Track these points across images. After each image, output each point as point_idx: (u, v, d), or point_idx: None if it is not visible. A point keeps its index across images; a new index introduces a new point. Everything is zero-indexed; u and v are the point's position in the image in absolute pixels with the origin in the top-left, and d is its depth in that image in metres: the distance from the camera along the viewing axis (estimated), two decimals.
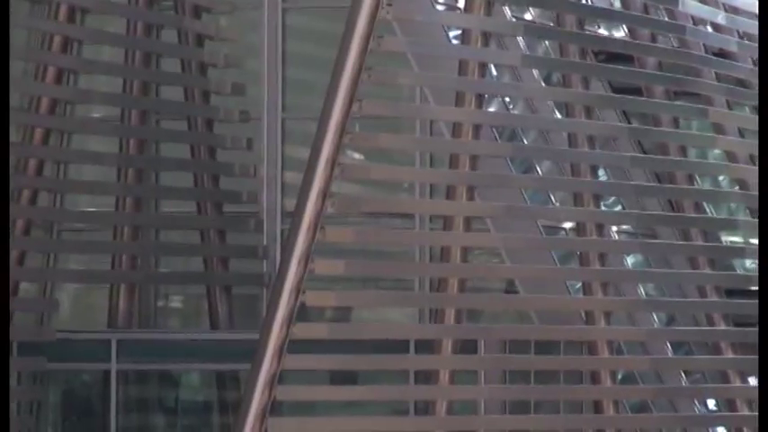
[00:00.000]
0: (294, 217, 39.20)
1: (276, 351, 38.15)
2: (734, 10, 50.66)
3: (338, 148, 39.05)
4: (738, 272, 49.55)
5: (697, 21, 49.39)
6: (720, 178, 50.34)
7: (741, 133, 49.46)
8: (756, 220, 47.84)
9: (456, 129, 43.14)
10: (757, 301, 46.28)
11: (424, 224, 45.58)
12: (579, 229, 45.09)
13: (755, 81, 48.91)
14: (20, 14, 46.02)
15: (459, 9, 45.56)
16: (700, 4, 49.18)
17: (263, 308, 44.18)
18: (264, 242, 47.92)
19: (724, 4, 51.16)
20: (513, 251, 44.07)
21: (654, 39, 47.96)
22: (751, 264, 49.57)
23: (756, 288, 46.90)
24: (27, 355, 44.74)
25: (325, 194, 38.62)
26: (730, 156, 48.54)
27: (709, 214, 48.70)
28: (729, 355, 46.66)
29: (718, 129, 48.43)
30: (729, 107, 48.84)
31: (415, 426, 42.97)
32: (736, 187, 49.16)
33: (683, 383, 46.52)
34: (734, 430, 47.49)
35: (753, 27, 50.59)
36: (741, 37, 50.64)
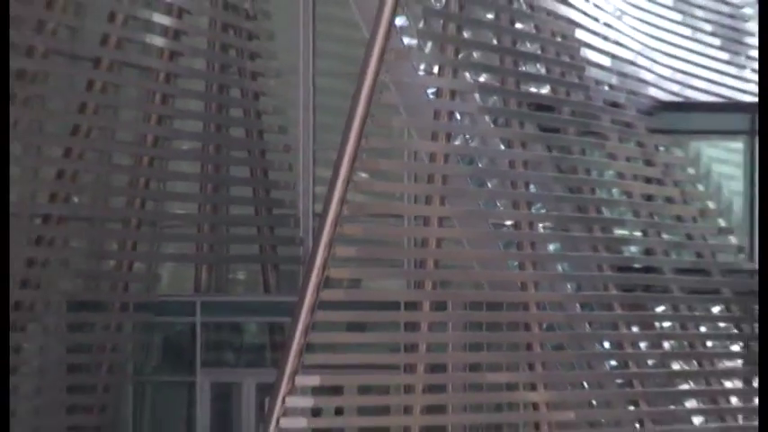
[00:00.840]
0: (321, 217, 42.49)
1: (309, 309, 40.87)
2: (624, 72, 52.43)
3: (351, 169, 41.76)
4: (625, 255, 51.55)
5: (598, 81, 51.45)
6: (613, 190, 51.48)
7: (628, 159, 51.17)
8: (638, 219, 51.11)
9: (432, 155, 45.11)
10: (639, 274, 50.72)
11: (410, 222, 47.13)
12: (516, 225, 47.35)
13: (640, 124, 51.47)
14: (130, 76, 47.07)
15: (434, 73, 47.37)
16: (600, 70, 51.62)
17: (300, 279, 44.94)
18: (300, 234, 49.85)
19: (619, 72, 52.68)
20: (472, 240, 46.00)
21: (568, 93, 49.96)
22: (633, 249, 51.90)
23: (639, 266, 51.23)
24: (140, 312, 47.37)
25: (342, 202, 41.51)
26: (620, 175, 50.81)
27: (605, 215, 50.62)
28: (619, 311, 48.72)
29: (612, 157, 50.74)
30: (620, 141, 50.64)
31: (404, 359, 44.69)
32: (624, 197, 51.44)
33: (587, 331, 48.45)
34: (622, 362, 49.38)
35: (637, 85, 52.73)
36: (629, 93, 51.94)
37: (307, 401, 42.42)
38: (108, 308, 46.42)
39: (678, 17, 57.74)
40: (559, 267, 49.42)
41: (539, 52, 50.01)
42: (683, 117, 52.87)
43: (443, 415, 44.71)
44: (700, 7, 59.28)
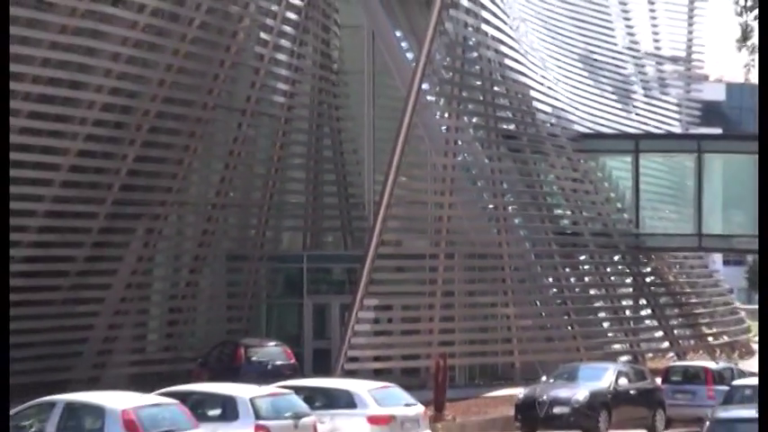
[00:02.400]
0: (378, 203, 42.80)
1: (372, 258, 41.75)
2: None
3: (396, 175, 42.40)
4: (561, 224, 51.72)
5: (543, 121, 51.07)
6: (553, 186, 50.98)
7: (562, 168, 50.32)
8: (568, 203, 51.45)
9: (444, 166, 45.19)
10: None
11: (431, 206, 45.41)
12: (496, 208, 47.51)
13: (568, 146, 50.60)
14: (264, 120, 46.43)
15: (445, 117, 47.07)
16: (544, 114, 51.03)
17: (366, 241, 43.27)
18: (366, 213, 48.28)
19: (555, 115, 52.09)
20: (469, 216, 45.33)
21: (525, 128, 49.75)
22: (566, 221, 52.08)
23: (569, 231, 51.45)
24: (270, 261, 46.57)
25: (391, 194, 42.22)
26: (557, 177, 50.46)
27: (549, 201, 51.02)
28: (557, 259, 49.56)
29: (552, 166, 50.46)
30: (557, 157, 49.94)
31: (428, 289, 44.26)
32: (559, 190, 51.12)
33: (538, 270, 49.45)
34: (560, 289, 50.14)
35: (567, 123, 52.29)
36: (562, 128, 51.38)
37: (369, 314, 42.90)
38: (251, 259, 46.04)
39: (591, 82, 57.07)
40: (521, 233, 49.63)
41: (507, 103, 49.94)
42: (595, 142, 52.51)
43: (452, 322, 44.40)
44: (604, 76, 58.49)
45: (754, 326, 62.23)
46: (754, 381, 33.41)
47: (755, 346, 58.15)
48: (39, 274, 37.83)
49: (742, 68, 35.10)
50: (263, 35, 44.67)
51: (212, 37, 41.97)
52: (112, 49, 38.05)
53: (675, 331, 53.98)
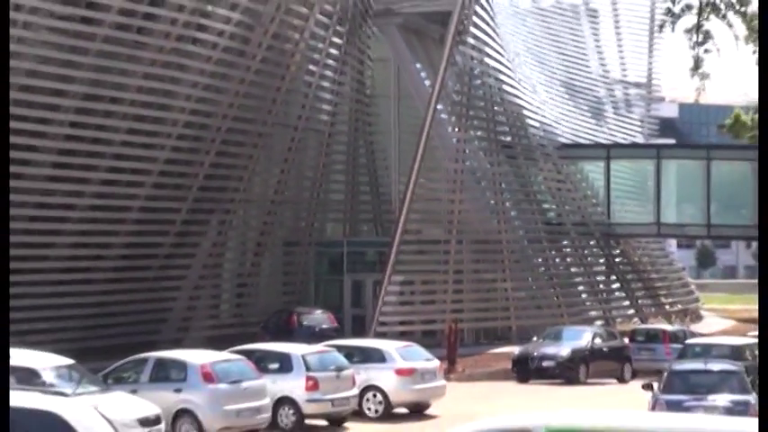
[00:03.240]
0: (402, 199, 42.75)
1: (398, 243, 41.64)
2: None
3: (417, 176, 42.39)
4: (548, 216, 50.93)
5: (534, 134, 50.51)
6: (542, 186, 50.53)
7: (549, 171, 49.96)
8: (554, 199, 50.71)
9: (455, 170, 44.93)
10: None
11: (445, 202, 44.59)
12: (496, 203, 47.23)
13: (554, 153, 50.07)
14: (311, 133, 45.92)
15: (456, 130, 46.43)
16: (534, 129, 50.39)
17: (393, 229, 43.00)
18: (392, 207, 47.17)
19: (544, 129, 51.64)
20: (474, 209, 45.18)
21: (519, 139, 49.20)
22: (551, 214, 51.20)
23: (554, 222, 50.62)
24: (317, 246, 46.51)
25: (413, 191, 42.14)
26: (545, 178, 50.05)
27: (538, 198, 50.24)
28: (545, 244, 49.16)
29: (541, 169, 49.89)
30: (545, 162, 49.43)
31: (442, 267, 43.92)
32: (547, 188, 50.70)
33: (530, 252, 48.87)
34: (547, 267, 49.62)
35: (552, 135, 51.51)
36: (548, 140, 50.89)
37: (395, 288, 42.88)
38: (301, 244, 45.76)
39: (571, 103, 56.62)
40: (516, 223, 49.32)
41: (505, 120, 49.40)
42: (574, 150, 51.99)
43: (461, 294, 44.08)
44: (581, 97, 58.05)
45: (702, 296, 62.24)
46: (703, 340, 33.95)
47: (704, 313, 58.20)
48: (135, 257, 37.81)
49: (693, 91, 34.84)
50: (311, 67, 44.50)
51: (271, 69, 41.65)
52: (192, 79, 37.98)
53: (639, 301, 53.76)
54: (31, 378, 21.17)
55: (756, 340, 32.42)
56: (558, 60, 57.86)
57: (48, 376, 21.65)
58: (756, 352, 30.30)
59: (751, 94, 58.49)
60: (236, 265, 44.71)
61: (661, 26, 27.10)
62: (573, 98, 57.39)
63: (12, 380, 20.49)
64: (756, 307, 66.19)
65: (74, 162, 35.12)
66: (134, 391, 22.84)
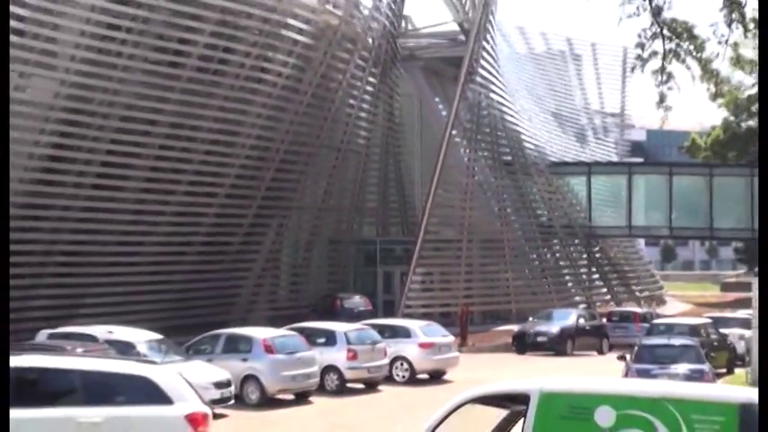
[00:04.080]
0: (424, 207, 42.66)
1: (422, 242, 41.71)
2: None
3: (436, 189, 42.35)
4: (540, 219, 50.13)
5: (528, 155, 50.14)
6: (537, 196, 50.19)
7: (542, 184, 49.81)
8: (546, 206, 50.01)
9: (466, 184, 44.86)
10: None
11: (458, 210, 44.54)
12: (500, 210, 47.12)
13: (546, 170, 49.74)
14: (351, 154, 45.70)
15: (466, 152, 46.29)
16: (530, 150, 49.94)
17: (417, 231, 43.15)
18: (417, 213, 46.22)
19: (538, 150, 51.42)
20: (482, 214, 45.13)
21: (517, 158, 49.14)
22: (543, 218, 50.36)
23: (546, 224, 49.86)
24: (357, 244, 46.23)
25: (433, 201, 42.05)
26: (539, 190, 49.75)
27: (533, 205, 49.79)
28: (539, 242, 49.35)
29: (535, 183, 49.45)
30: (538, 177, 49.33)
31: (455, 261, 43.36)
32: (540, 198, 50.17)
33: (526, 248, 48.81)
34: (539, 260, 49.48)
35: (543, 155, 51.14)
36: (541, 159, 50.54)
37: (418, 278, 42.65)
38: (343, 242, 45.61)
39: (560, 129, 56.59)
40: (516, 225, 48.83)
41: (506, 143, 49.11)
42: (562, 167, 51.75)
43: (471, 283, 44.00)
44: (567, 125, 57.95)
45: (665, 284, 62.14)
46: (666, 320, 33.98)
47: (667, 298, 58.06)
48: (210, 252, 37.72)
49: (658, 120, 34.83)
50: (350, 101, 44.22)
51: (319, 102, 41.37)
52: (257, 111, 37.77)
53: (614, 288, 53.38)
54: (128, 350, 21.35)
55: (710, 320, 32.73)
56: (548, 95, 57.89)
57: (141, 348, 21.84)
58: (710, 330, 30.57)
59: (705, 123, 58.45)
60: (290, 259, 44.29)
61: (632, 68, 26.78)
62: (561, 125, 57.40)
63: (113, 351, 20.83)
64: (710, 293, 65.20)
65: (162, 177, 35.07)
66: (210, 360, 22.94)
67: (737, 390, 10.44)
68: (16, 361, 13.23)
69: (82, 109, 32.03)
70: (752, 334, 25.39)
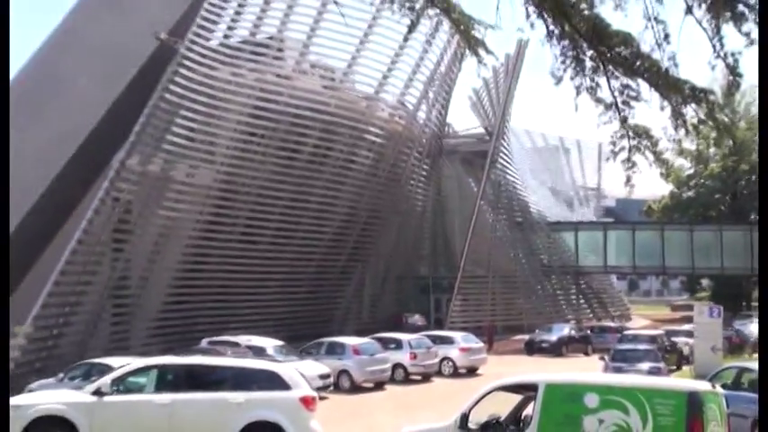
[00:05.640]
0: (462, 254, 41.87)
1: (460, 278, 40.17)
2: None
3: (468, 247, 41.46)
4: (547, 265, 48.59)
5: (528, 216, 48.88)
6: (540, 246, 49.51)
7: (544, 237, 48.61)
8: (545, 249, 48.21)
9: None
10: None
11: (487, 257, 43.63)
12: (515, 259, 46.26)
13: (546, 227, 48.40)
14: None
15: (488, 207, 44.61)
16: (531, 213, 49.69)
17: (458, 266, 41.95)
18: (458, 256, 44.75)
19: (537, 212, 50.31)
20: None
21: (526, 218, 47.98)
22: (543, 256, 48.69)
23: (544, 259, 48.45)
24: (411, 278, 45.44)
25: (467, 255, 40.95)
26: (539, 240, 48.41)
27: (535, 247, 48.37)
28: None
29: (537, 236, 48.19)
30: (539, 231, 47.81)
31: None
32: (542, 246, 48.61)
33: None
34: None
35: (542, 215, 49.94)
36: (540, 218, 49.40)
37: (458, 302, 40.98)
38: (406, 278, 44.79)
39: (554, 200, 55.53)
40: (525, 265, 47.21)
41: (518, 209, 47.78)
42: (557, 225, 50.12)
43: (495, 307, 42.71)
44: (561, 196, 57.17)
45: (631, 307, 60.54)
46: (633, 332, 32.82)
47: (633, 316, 56.49)
48: (316, 285, 36.99)
49: (625, 192, 34.39)
50: (411, 181, 43.60)
51: (390, 182, 40.67)
52: (349, 189, 37.18)
53: (595, 309, 51.88)
54: (261, 352, 21.63)
55: (664, 332, 31.82)
56: (546, 176, 56.93)
57: (270, 351, 22.09)
58: (664, 338, 29.72)
59: (657, 193, 57.43)
60: (370, 289, 43.33)
61: (607, 158, 26.79)
62: (555, 197, 56.57)
63: (251, 353, 20.91)
64: (663, 313, 62.92)
65: (284, 234, 34.58)
66: (316, 360, 22.85)
67: (685, 382, 10.53)
68: (189, 359, 13.56)
69: (230, 188, 32.29)
70: (694, 342, 24.73)
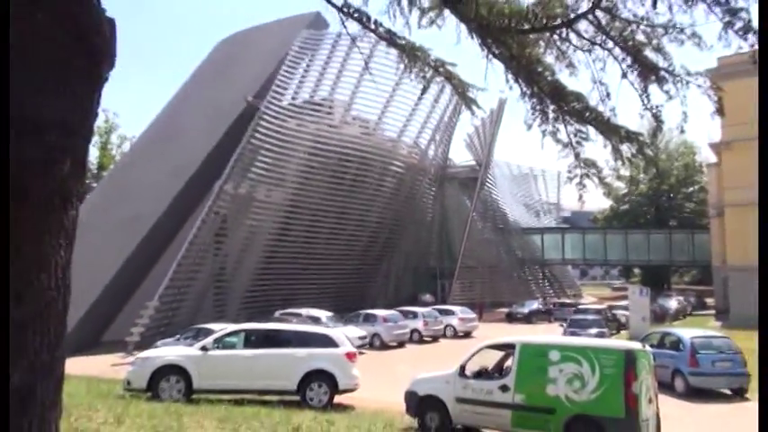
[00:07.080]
0: (459, 259, 40.43)
1: (459, 268, 38.51)
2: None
3: (463, 248, 40.54)
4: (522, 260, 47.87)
5: (515, 227, 47.87)
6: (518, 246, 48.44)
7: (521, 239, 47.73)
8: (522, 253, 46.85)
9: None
10: None
11: (478, 253, 42.61)
12: (499, 255, 46.46)
13: (525, 234, 48.41)
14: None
15: (481, 221, 43.48)
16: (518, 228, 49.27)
17: (456, 268, 40.26)
18: (457, 256, 42.79)
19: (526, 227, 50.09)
20: (492, 258, 43.14)
21: (507, 227, 47.18)
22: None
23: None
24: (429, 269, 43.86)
25: (463, 253, 39.16)
26: (518, 243, 47.16)
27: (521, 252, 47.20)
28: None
29: (517, 238, 47.78)
30: (517, 235, 48.68)
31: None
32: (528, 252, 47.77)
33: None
34: None
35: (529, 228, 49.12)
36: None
37: (458, 286, 39.57)
38: (420, 269, 43.56)
39: (526, 212, 54.36)
40: (505, 259, 45.59)
41: (501, 218, 46.70)
42: (529, 230, 48.87)
43: (483, 288, 41.53)
44: (531, 210, 55.90)
45: (583, 288, 59.31)
46: (584, 306, 31.60)
47: (584, 296, 55.04)
48: (355, 272, 36.31)
49: (578, 205, 33.32)
50: (423, 199, 42.58)
51: (408, 200, 39.60)
52: (379, 206, 36.17)
53: (556, 290, 50.58)
54: (317, 321, 21.18)
55: (607, 306, 30.94)
56: (520, 194, 55.78)
57: (323, 320, 21.61)
58: (607, 311, 28.76)
59: (602, 206, 56.76)
60: (394, 276, 42.13)
61: (564, 182, 26.44)
62: (528, 210, 55.37)
63: (310, 321, 20.84)
64: (606, 293, 61.53)
65: (336, 237, 33.46)
66: (356, 326, 22.50)
67: (623, 342, 10.07)
68: (268, 325, 13.38)
69: (295, 205, 31.91)
70: (629, 313, 24.23)
